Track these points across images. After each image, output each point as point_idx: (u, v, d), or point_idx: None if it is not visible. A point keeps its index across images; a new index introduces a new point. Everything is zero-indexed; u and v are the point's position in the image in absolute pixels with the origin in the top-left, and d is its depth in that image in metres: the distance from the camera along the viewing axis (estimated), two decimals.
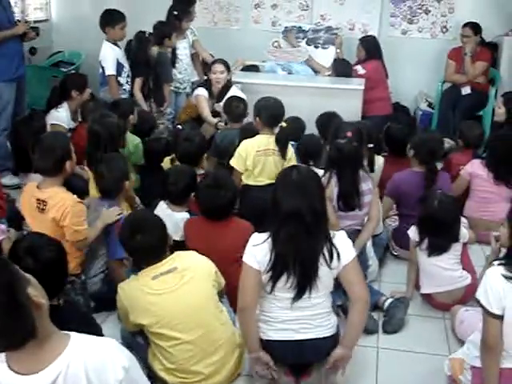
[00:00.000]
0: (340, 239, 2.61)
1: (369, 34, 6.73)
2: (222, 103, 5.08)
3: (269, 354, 2.65)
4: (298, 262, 2.52)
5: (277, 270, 2.53)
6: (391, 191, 4.16)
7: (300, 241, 2.51)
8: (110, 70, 5.45)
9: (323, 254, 2.52)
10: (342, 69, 6.13)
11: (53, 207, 3.24)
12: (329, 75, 6.17)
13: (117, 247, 3.15)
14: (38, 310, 1.54)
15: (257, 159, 4.14)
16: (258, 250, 2.56)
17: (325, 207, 2.63)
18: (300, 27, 6.57)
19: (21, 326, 1.50)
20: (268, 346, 2.67)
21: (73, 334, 1.65)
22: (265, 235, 2.59)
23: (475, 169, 4.45)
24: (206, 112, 5.30)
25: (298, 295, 2.55)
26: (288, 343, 2.64)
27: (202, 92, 5.40)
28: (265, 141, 4.16)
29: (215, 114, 5.29)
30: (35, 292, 1.54)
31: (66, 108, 5.01)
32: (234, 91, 5.27)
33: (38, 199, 3.29)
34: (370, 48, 6.29)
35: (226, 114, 4.90)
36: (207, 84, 5.46)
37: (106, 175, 3.56)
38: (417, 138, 4.26)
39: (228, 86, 5.36)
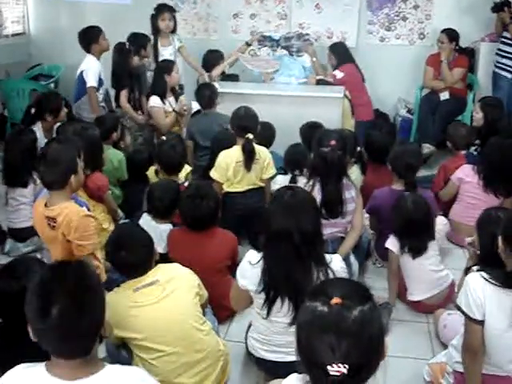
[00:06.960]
0: (336, 263, 2.59)
1: (347, 41, 6.78)
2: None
3: (261, 369, 2.78)
4: (291, 288, 2.49)
5: (270, 294, 2.53)
6: (372, 210, 4.09)
7: (290, 264, 2.47)
8: (92, 82, 5.39)
9: (319, 280, 2.45)
10: None
11: (61, 223, 3.22)
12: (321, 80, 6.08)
13: None
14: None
15: (237, 169, 4.17)
16: (248, 269, 2.61)
17: (319, 230, 2.57)
18: (270, 36, 6.44)
19: (88, 344, 1.77)
20: (259, 363, 2.77)
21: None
22: (260, 255, 2.60)
23: (465, 174, 4.42)
24: (163, 121, 5.39)
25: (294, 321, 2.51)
26: (280, 363, 2.66)
27: (154, 103, 5.39)
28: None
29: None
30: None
31: (38, 127, 4.85)
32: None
33: (47, 217, 3.26)
34: (341, 53, 6.29)
35: (198, 102, 5.21)
36: (160, 87, 5.44)
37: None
38: (393, 152, 4.18)
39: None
